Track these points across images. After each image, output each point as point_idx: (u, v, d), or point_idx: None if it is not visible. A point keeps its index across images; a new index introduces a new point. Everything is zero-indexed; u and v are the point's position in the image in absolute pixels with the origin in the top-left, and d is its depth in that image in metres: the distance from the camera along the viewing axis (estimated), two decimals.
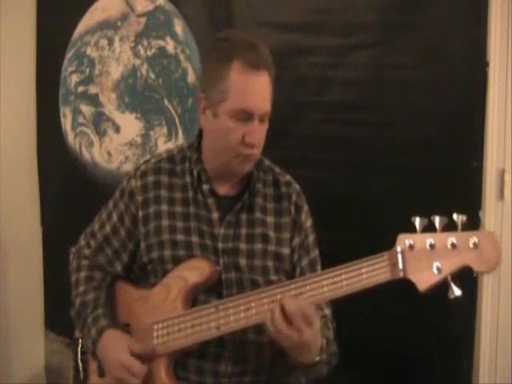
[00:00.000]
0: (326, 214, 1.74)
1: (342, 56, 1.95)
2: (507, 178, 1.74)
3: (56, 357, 2.94)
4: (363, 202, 1.92)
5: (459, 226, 1.20)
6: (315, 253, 1.53)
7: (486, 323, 1.76)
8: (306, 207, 1.54)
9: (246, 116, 1.38)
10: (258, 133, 1.41)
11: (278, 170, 1.56)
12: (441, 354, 1.78)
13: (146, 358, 1.39)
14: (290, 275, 1.47)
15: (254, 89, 1.39)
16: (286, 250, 1.48)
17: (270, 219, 1.49)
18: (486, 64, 1.70)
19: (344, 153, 1.96)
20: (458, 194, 1.72)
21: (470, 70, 1.73)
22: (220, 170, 1.47)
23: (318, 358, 1.33)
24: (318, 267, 1.52)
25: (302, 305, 1.25)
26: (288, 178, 1.56)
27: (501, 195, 1.76)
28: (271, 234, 1.47)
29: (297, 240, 1.50)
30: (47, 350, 3.02)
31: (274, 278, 1.45)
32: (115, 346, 1.41)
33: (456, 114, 1.75)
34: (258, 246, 1.46)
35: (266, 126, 1.44)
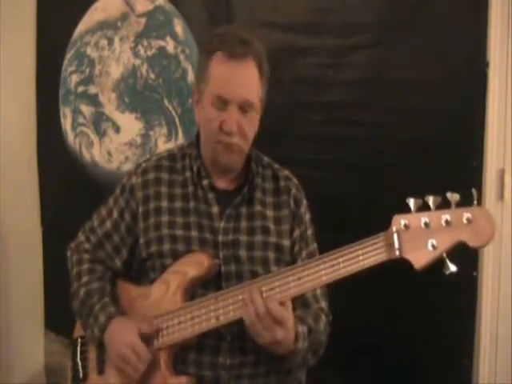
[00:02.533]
0: (326, 214, 1.74)
1: (341, 56, 1.95)
2: (507, 178, 1.74)
3: (56, 357, 2.94)
4: (363, 201, 1.92)
5: (453, 204, 1.22)
6: (314, 246, 1.55)
7: (486, 323, 1.76)
8: (304, 201, 1.56)
9: (221, 102, 1.40)
10: (236, 120, 1.40)
11: (276, 165, 1.58)
12: (441, 354, 1.78)
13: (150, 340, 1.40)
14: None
15: (231, 76, 1.40)
16: (286, 242, 1.49)
17: (270, 212, 1.50)
18: (486, 64, 1.70)
19: (344, 153, 1.97)
20: (457, 194, 1.71)
21: (469, 70, 1.73)
22: (213, 162, 1.49)
23: (292, 347, 1.34)
24: None
25: (269, 307, 1.27)
26: (286, 172, 1.57)
27: (501, 195, 1.76)
28: (271, 226, 1.49)
29: (297, 232, 1.51)
30: (47, 350, 3.02)
31: (274, 269, 1.46)
32: (124, 331, 1.42)
33: (456, 114, 1.75)
34: (259, 238, 1.47)
35: (251, 118, 1.43)
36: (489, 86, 1.71)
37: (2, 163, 2.81)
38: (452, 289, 1.68)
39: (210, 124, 1.42)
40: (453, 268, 1.21)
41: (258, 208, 1.49)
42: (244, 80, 1.41)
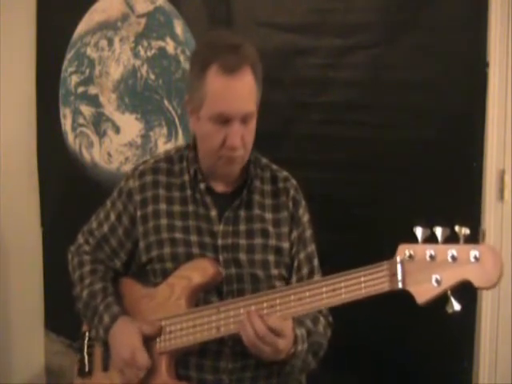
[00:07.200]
0: (326, 215, 1.73)
1: (342, 56, 1.95)
2: (507, 178, 1.74)
3: (56, 357, 2.94)
4: (363, 202, 1.92)
5: (461, 239, 1.16)
6: (312, 247, 1.54)
7: (486, 324, 1.76)
8: (303, 202, 1.55)
9: (223, 119, 1.37)
10: (240, 134, 1.38)
11: (274, 167, 1.57)
12: (441, 356, 1.78)
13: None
14: (290, 269, 1.49)
15: (230, 91, 1.37)
16: (285, 244, 1.49)
17: (269, 215, 1.50)
18: (486, 64, 1.70)
19: (344, 153, 1.96)
20: (458, 194, 1.72)
21: (470, 70, 1.73)
22: (211, 170, 1.48)
23: (292, 350, 1.34)
24: (315, 261, 1.54)
25: (269, 324, 1.27)
26: (285, 173, 1.57)
27: (501, 196, 1.75)
28: (270, 229, 1.48)
29: (295, 233, 1.51)
30: (47, 351, 3.02)
31: (274, 271, 1.46)
32: (127, 334, 1.42)
33: (456, 115, 1.75)
34: (258, 241, 1.46)
35: (251, 126, 1.42)
36: (489, 85, 1.71)
37: (2, 163, 2.81)
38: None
39: (211, 139, 1.40)
40: (457, 307, 1.16)
41: (256, 211, 1.49)
42: (243, 93, 1.38)
